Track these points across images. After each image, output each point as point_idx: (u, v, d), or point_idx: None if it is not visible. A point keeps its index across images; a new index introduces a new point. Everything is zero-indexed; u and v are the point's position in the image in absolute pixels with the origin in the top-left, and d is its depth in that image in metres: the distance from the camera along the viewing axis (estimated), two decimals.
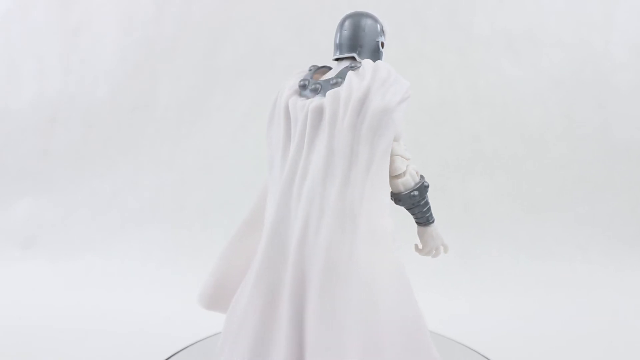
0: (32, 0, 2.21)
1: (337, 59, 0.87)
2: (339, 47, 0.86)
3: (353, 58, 0.85)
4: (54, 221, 2.12)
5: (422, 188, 0.83)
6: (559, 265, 1.79)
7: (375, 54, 0.86)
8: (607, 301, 1.56)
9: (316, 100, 0.80)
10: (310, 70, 0.88)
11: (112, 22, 2.18)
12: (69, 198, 2.14)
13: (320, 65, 0.89)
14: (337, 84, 0.80)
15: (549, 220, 1.92)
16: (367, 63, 0.80)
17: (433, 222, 0.88)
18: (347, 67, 0.82)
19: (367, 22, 0.85)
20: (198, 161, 2.10)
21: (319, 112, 0.79)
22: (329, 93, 0.78)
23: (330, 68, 0.89)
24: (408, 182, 0.82)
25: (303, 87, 0.84)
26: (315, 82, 0.82)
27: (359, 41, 0.85)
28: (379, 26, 0.86)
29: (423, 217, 0.86)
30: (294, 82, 0.86)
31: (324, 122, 0.78)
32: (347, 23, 0.86)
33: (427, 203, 0.85)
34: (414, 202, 0.84)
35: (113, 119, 2.18)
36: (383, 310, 0.73)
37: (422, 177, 0.84)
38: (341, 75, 0.81)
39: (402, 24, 2.05)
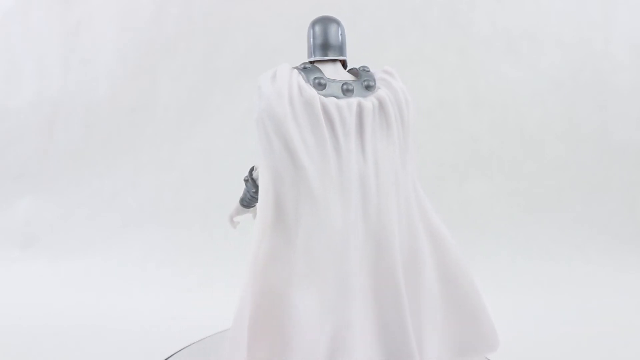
0: (32, 0, 2.21)
1: (325, 61, 0.87)
2: (331, 48, 0.86)
3: (343, 61, 0.89)
4: (54, 221, 2.12)
5: None
6: (557, 265, 1.79)
7: None
8: (606, 301, 1.56)
9: (363, 100, 0.83)
10: (307, 68, 0.84)
11: (112, 22, 2.18)
12: (69, 198, 2.14)
13: (307, 64, 0.87)
14: (371, 87, 0.84)
15: (547, 221, 1.92)
16: (392, 68, 0.88)
17: None
18: (363, 69, 0.87)
19: (344, 29, 0.91)
20: (198, 161, 2.10)
21: (373, 111, 0.83)
22: (386, 94, 0.84)
23: (316, 67, 0.86)
24: None
25: (319, 85, 0.81)
26: (345, 82, 0.83)
27: (345, 46, 0.89)
28: None
29: None
30: (302, 79, 0.81)
31: (384, 122, 0.84)
32: (334, 27, 0.88)
33: None
34: None
35: (113, 119, 2.18)
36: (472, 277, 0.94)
37: None
38: (367, 78, 0.85)
39: (402, 24, 2.05)
